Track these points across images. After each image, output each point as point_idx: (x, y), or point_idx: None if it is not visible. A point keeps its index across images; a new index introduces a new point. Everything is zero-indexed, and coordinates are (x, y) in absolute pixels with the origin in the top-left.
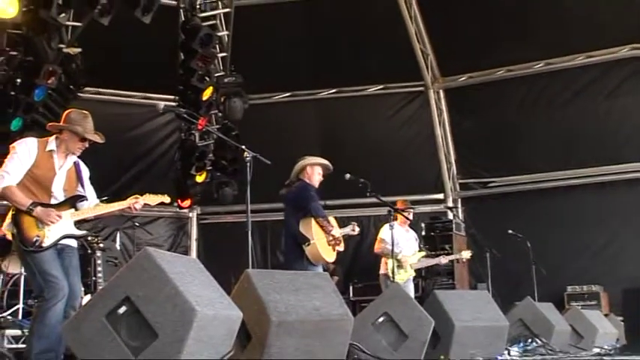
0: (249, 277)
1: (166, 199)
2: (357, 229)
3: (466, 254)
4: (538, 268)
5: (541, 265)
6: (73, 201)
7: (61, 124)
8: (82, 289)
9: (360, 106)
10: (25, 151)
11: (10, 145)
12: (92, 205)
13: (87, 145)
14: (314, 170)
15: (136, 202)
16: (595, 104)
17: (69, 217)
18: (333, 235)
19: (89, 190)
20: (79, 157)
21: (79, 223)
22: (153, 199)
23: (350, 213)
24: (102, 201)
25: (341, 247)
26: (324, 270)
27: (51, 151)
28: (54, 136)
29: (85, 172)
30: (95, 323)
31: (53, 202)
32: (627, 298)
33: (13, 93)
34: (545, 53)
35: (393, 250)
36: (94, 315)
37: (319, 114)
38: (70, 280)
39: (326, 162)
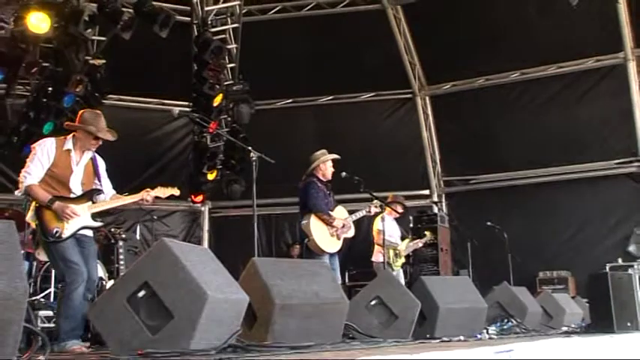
0: (255, 264)
1: (176, 191)
2: (374, 209)
3: (429, 235)
4: (513, 256)
5: (516, 254)
6: (90, 194)
7: (76, 124)
8: (106, 274)
9: (354, 111)
10: (43, 152)
11: (32, 146)
12: (108, 197)
13: (100, 143)
14: (326, 165)
15: (148, 195)
16: (563, 111)
17: (86, 209)
18: (335, 226)
19: (105, 183)
20: (98, 154)
21: (101, 216)
22: (163, 192)
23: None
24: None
25: (350, 234)
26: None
27: (68, 150)
28: (71, 135)
29: (102, 165)
30: (117, 306)
31: (72, 196)
32: (592, 282)
33: (44, 100)
34: (520, 64)
35: (384, 239)
36: (116, 298)
37: (318, 118)
38: (88, 266)
39: (334, 155)
